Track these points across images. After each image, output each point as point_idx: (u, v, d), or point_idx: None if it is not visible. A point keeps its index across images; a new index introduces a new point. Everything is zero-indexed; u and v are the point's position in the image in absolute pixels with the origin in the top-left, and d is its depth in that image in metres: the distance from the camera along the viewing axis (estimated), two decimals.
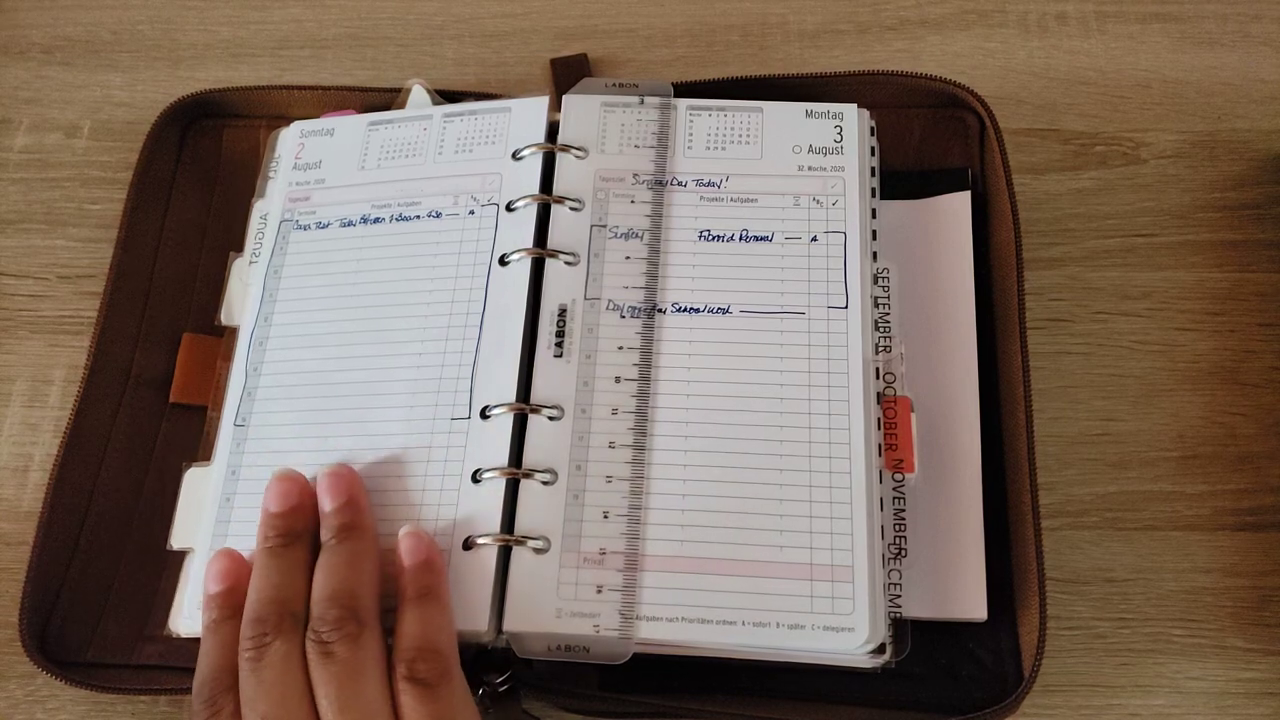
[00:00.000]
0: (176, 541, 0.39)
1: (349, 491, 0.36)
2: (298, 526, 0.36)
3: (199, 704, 0.33)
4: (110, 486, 0.42)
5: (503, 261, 0.40)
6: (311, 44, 0.53)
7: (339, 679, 0.32)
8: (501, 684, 0.36)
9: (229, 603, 0.35)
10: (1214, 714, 0.39)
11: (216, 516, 0.38)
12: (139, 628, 0.40)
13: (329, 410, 0.39)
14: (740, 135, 0.43)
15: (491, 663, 0.36)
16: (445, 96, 0.46)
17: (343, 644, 0.33)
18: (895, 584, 0.37)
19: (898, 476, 0.38)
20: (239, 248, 0.45)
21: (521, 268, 0.40)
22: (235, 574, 0.36)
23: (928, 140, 0.45)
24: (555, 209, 0.41)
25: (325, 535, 0.36)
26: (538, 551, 0.36)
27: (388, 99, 0.47)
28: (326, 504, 0.36)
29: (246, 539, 0.37)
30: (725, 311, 0.39)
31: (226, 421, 0.40)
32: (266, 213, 0.44)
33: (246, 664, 0.33)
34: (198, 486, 0.40)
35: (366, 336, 0.40)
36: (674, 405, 0.38)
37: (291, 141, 0.45)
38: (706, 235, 0.41)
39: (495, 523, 0.36)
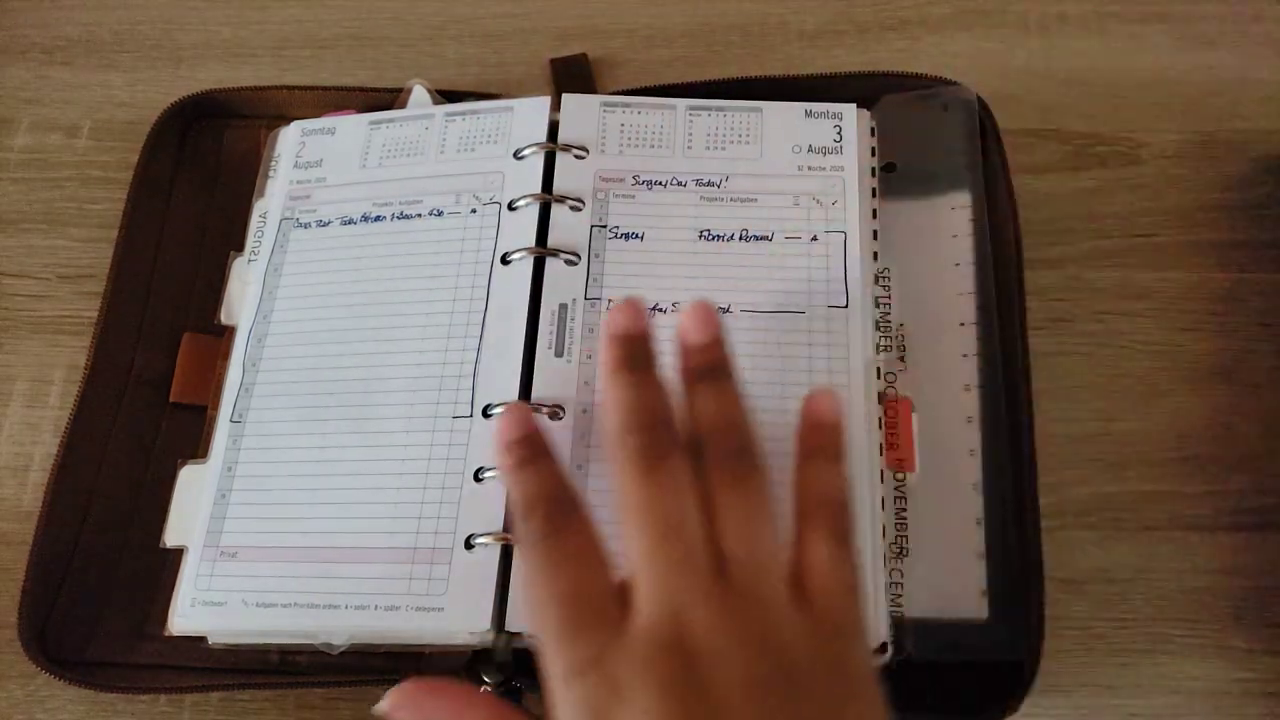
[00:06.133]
0: (170, 539, 0.39)
1: (718, 330, 0.33)
2: (650, 351, 0.33)
3: (535, 522, 0.30)
4: (110, 486, 0.42)
5: (504, 260, 0.40)
6: (312, 44, 0.53)
7: (751, 510, 0.30)
8: (502, 684, 0.36)
9: (535, 445, 0.32)
10: (1214, 714, 0.39)
11: (211, 514, 0.38)
12: (138, 627, 0.40)
13: (328, 408, 0.39)
14: (740, 135, 0.43)
15: (492, 662, 0.36)
16: (446, 96, 0.46)
17: (755, 476, 0.30)
18: (896, 584, 0.37)
19: (898, 476, 0.38)
20: (239, 247, 0.45)
21: (523, 266, 0.40)
22: (530, 422, 0.32)
23: (928, 140, 0.45)
24: (555, 208, 0.41)
25: (695, 365, 0.32)
26: None
27: (388, 99, 0.47)
28: (696, 336, 0.33)
29: (241, 535, 0.38)
30: (725, 311, 0.39)
31: (223, 418, 0.40)
32: (266, 211, 0.44)
33: (639, 476, 0.30)
34: (193, 484, 0.40)
35: (367, 334, 0.40)
36: (675, 404, 0.37)
37: (292, 140, 0.45)
38: (706, 235, 0.41)
39: (497, 521, 0.36)
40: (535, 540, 0.30)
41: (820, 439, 0.32)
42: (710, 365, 0.32)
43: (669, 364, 0.38)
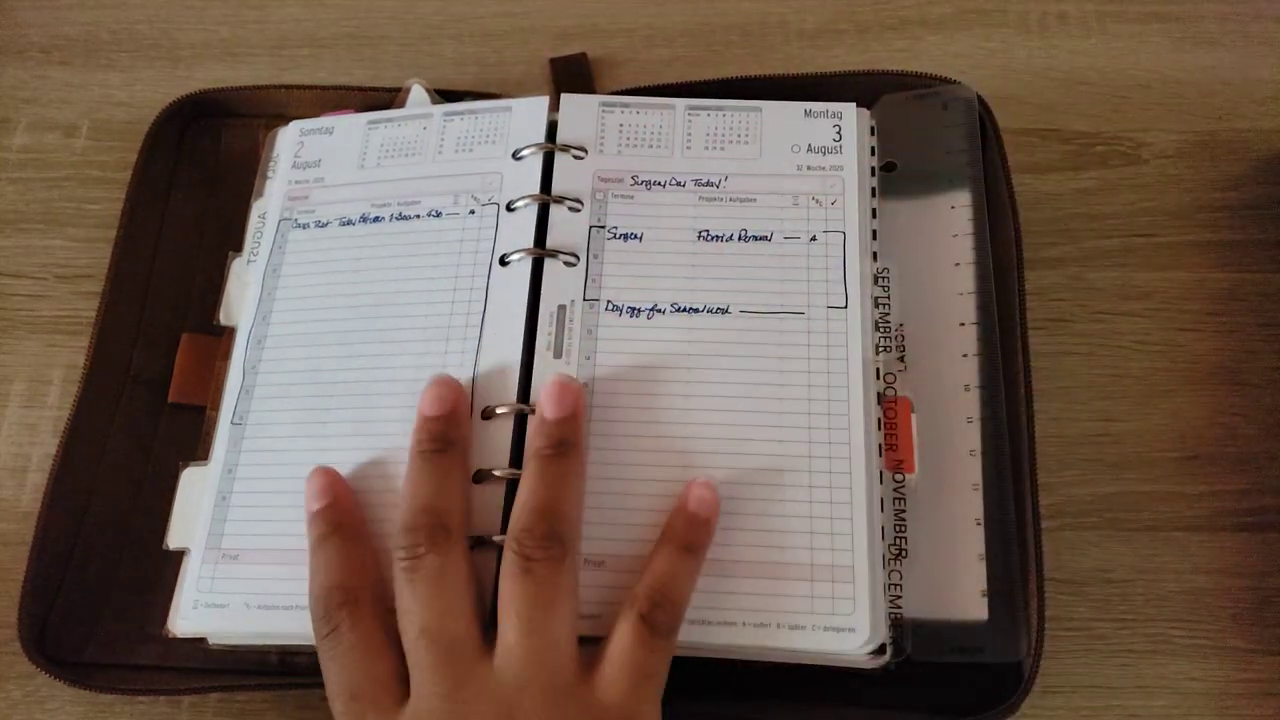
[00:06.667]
0: (173, 541, 0.39)
1: (575, 405, 0.35)
2: (452, 434, 0.35)
3: (316, 622, 0.33)
4: (109, 486, 0.42)
5: (503, 261, 0.40)
6: (310, 43, 0.53)
7: (534, 600, 0.32)
8: None
9: (330, 518, 0.35)
10: (1214, 714, 0.39)
11: (213, 516, 0.38)
12: (138, 627, 0.40)
13: (328, 410, 0.39)
14: (739, 135, 0.43)
15: None
16: (445, 96, 0.46)
17: (546, 565, 0.32)
18: (896, 584, 0.37)
19: (898, 477, 0.38)
20: (238, 247, 0.44)
21: (522, 267, 0.40)
22: (332, 490, 0.36)
23: (928, 139, 0.45)
24: (554, 209, 0.41)
25: (541, 444, 0.35)
26: None
27: (387, 99, 0.47)
28: (549, 411, 0.35)
29: (243, 538, 0.37)
30: (724, 311, 0.39)
31: (224, 420, 0.40)
32: (265, 212, 0.44)
33: (401, 574, 0.33)
34: (194, 486, 0.40)
35: (366, 336, 0.40)
36: (673, 406, 0.38)
37: (290, 140, 0.45)
38: (705, 235, 0.41)
39: (496, 523, 0.36)
40: (319, 636, 0.33)
41: (683, 528, 0.34)
42: (553, 442, 0.35)
43: (665, 361, 0.38)
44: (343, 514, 0.35)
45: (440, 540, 0.33)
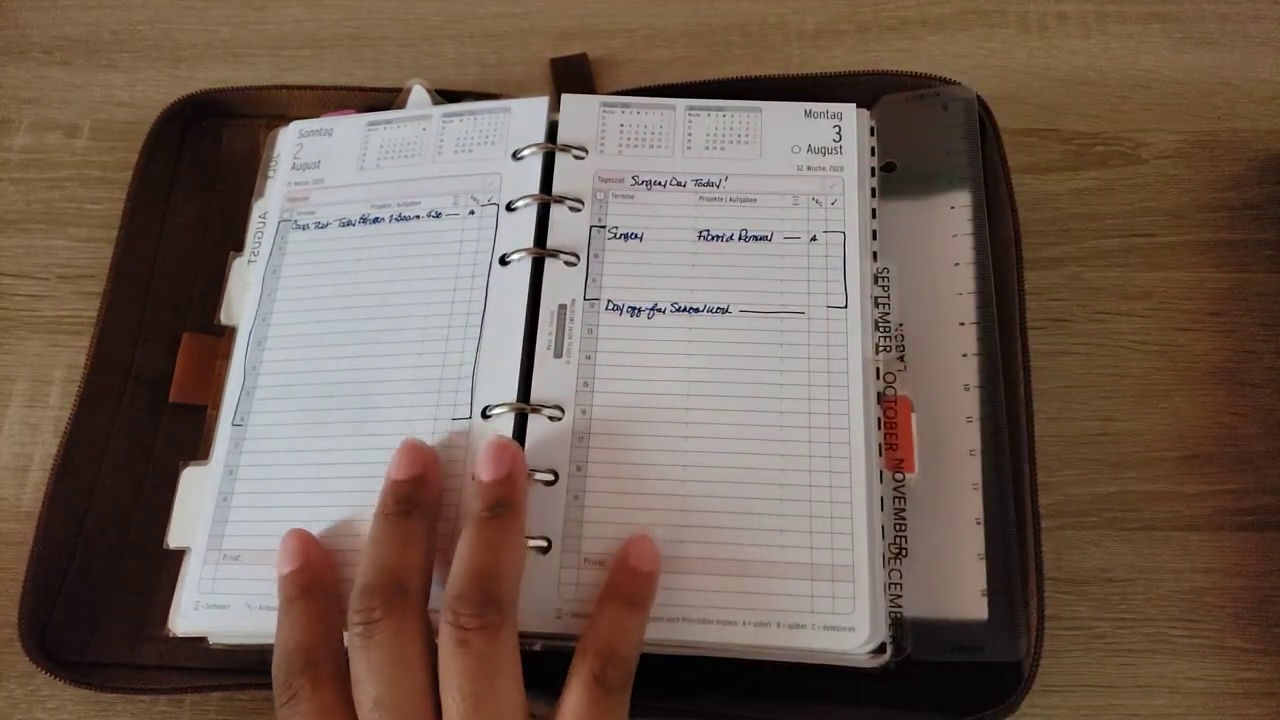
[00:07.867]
0: (173, 540, 0.39)
1: (512, 466, 0.34)
2: (418, 496, 0.35)
3: (277, 688, 0.32)
4: (110, 486, 0.42)
5: (503, 261, 0.40)
6: (311, 44, 0.53)
7: (475, 674, 0.30)
8: None
9: (299, 581, 0.34)
10: (1213, 714, 0.39)
11: (214, 516, 0.38)
12: (139, 627, 0.40)
13: (328, 410, 0.39)
14: (739, 135, 0.43)
15: None
16: (445, 96, 0.46)
17: (481, 634, 0.31)
18: (896, 584, 0.37)
19: (898, 476, 0.38)
20: (239, 247, 0.45)
21: (522, 267, 0.40)
22: (304, 553, 0.35)
23: (928, 139, 0.45)
24: (555, 209, 0.41)
25: (478, 506, 0.33)
26: (539, 551, 0.36)
27: (388, 99, 0.47)
28: (485, 474, 0.34)
29: (244, 539, 0.38)
30: (725, 311, 0.39)
31: (224, 421, 0.40)
32: (266, 212, 0.44)
33: (356, 640, 0.32)
34: (195, 485, 0.40)
35: (366, 337, 0.40)
36: (673, 405, 0.38)
37: (290, 141, 0.45)
38: (706, 235, 0.41)
39: None
40: (279, 703, 0.32)
41: (627, 583, 0.34)
42: (490, 503, 0.33)
43: (665, 360, 0.38)
44: (312, 577, 0.34)
45: (397, 604, 0.32)
